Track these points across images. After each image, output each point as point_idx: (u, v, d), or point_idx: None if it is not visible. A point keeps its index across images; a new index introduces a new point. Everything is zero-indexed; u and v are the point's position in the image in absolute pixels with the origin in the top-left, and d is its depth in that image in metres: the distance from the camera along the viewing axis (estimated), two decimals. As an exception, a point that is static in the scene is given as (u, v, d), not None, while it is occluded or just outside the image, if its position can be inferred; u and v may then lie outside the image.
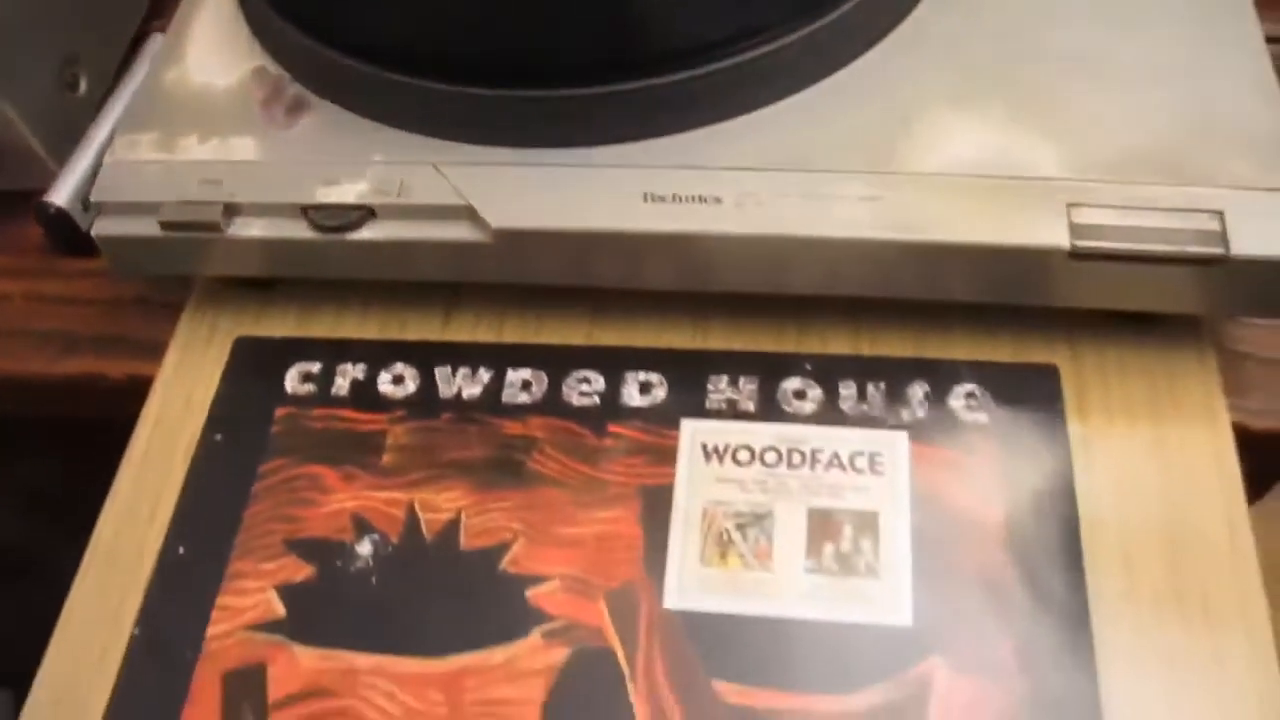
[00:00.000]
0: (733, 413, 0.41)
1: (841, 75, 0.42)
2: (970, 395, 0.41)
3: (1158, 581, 0.37)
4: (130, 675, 0.38)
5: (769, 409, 0.41)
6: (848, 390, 0.41)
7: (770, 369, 0.42)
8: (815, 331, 0.43)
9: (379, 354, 0.44)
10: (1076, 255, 0.38)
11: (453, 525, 0.39)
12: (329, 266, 0.42)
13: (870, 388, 0.41)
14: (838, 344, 0.43)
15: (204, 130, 0.43)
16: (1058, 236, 0.38)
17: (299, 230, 0.41)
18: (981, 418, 0.40)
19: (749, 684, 0.35)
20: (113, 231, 0.42)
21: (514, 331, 0.44)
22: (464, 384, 0.43)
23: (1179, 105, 0.40)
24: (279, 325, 0.45)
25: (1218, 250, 0.38)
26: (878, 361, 0.42)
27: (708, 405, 0.41)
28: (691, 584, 0.38)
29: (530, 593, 0.38)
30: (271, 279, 0.45)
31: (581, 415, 0.41)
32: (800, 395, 0.41)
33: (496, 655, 0.37)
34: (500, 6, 0.39)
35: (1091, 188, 0.39)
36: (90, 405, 0.47)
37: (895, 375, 0.42)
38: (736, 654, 0.36)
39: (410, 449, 0.41)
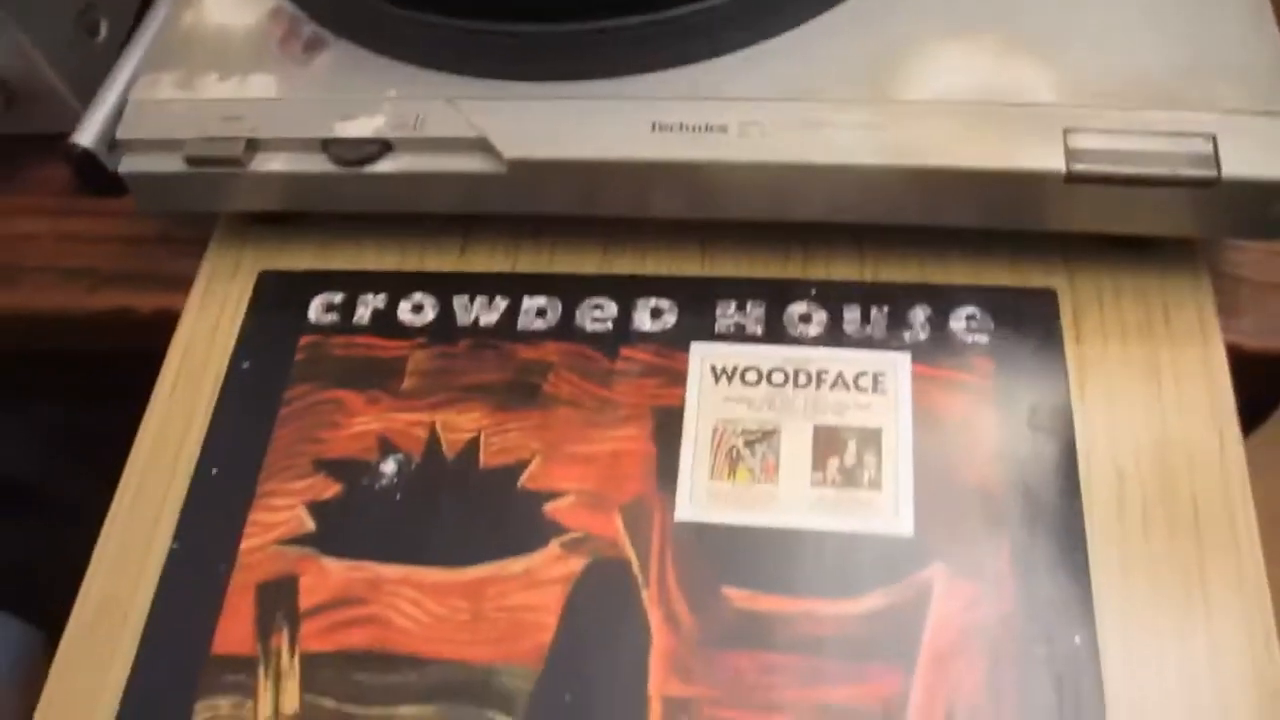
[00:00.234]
0: (740, 336, 0.43)
1: (841, 8, 0.43)
2: (970, 318, 0.42)
3: (1150, 495, 0.39)
4: (169, 588, 0.40)
5: (775, 332, 0.43)
6: (851, 314, 0.43)
7: (776, 294, 0.44)
8: (820, 258, 0.45)
9: (398, 284, 0.45)
10: (1072, 179, 0.39)
11: (473, 445, 0.41)
12: (348, 200, 0.44)
13: (873, 311, 0.43)
14: (842, 270, 0.45)
15: (224, 69, 0.44)
16: (1054, 161, 0.39)
17: (319, 164, 0.42)
18: (981, 339, 0.42)
19: (757, 590, 0.37)
20: (139, 168, 0.43)
21: (528, 261, 0.46)
22: (481, 312, 0.44)
23: (1172, 32, 0.41)
24: (301, 259, 0.47)
25: (1210, 173, 0.39)
26: (881, 286, 0.44)
27: (716, 329, 0.43)
28: (702, 497, 0.39)
29: (548, 507, 0.40)
30: (293, 213, 0.46)
31: (594, 340, 0.43)
32: (806, 319, 0.43)
33: (516, 565, 0.39)
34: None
35: (1086, 113, 0.40)
36: (119, 339, 0.49)
37: (898, 299, 0.43)
38: (745, 562, 0.38)
39: (430, 373, 0.43)
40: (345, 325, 0.44)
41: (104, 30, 0.53)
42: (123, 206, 0.49)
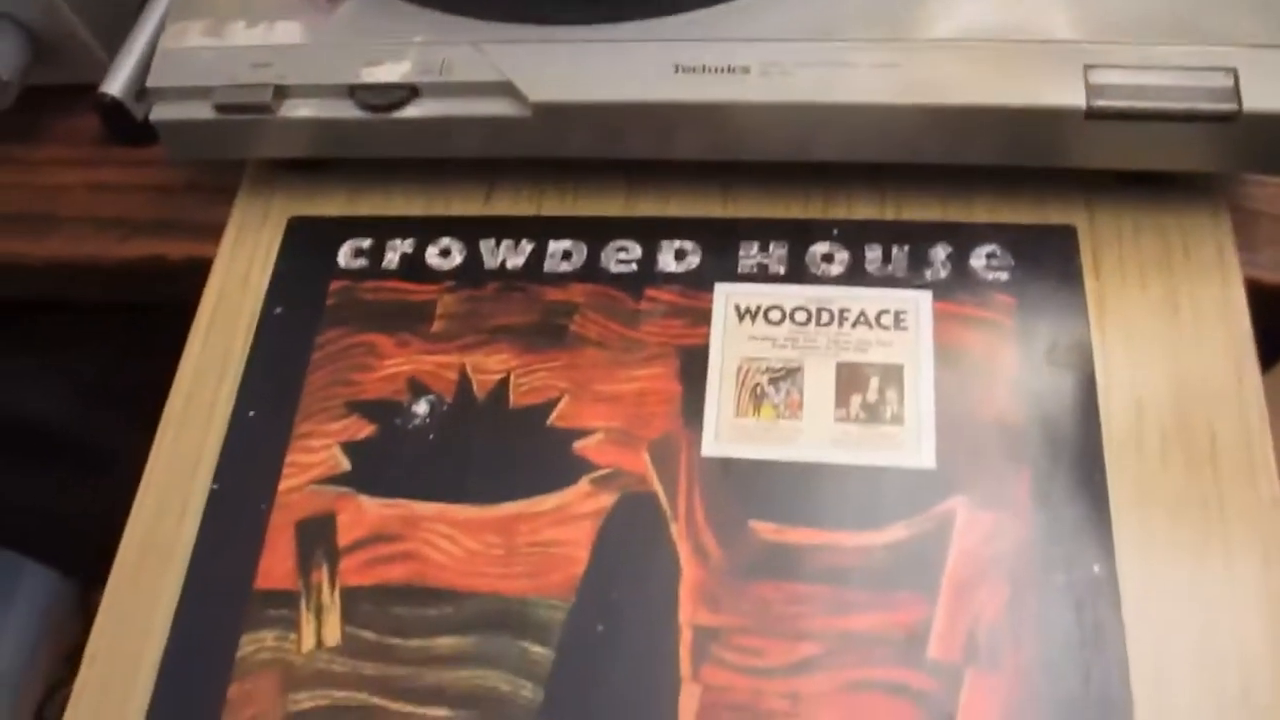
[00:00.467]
0: (763, 276, 0.43)
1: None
2: (991, 255, 0.43)
3: (1168, 427, 0.39)
4: (210, 527, 0.41)
5: (798, 272, 0.43)
6: (873, 253, 0.43)
7: (799, 234, 0.44)
8: (841, 198, 0.45)
9: (426, 229, 0.46)
10: (1093, 115, 0.40)
11: (502, 385, 0.42)
12: (375, 145, 0.44)
13: (895, 250, 0.43)
14: (863, 210, 0.45)
15: (251, 16, 0.45)
16: (1074, 97, 0.40)
17: (346, 110, 0.43)
18: (1002, 276, 0.42)
19: (783, 523, 0.38)
20: (170, 116, 0.44)
21: (553, 205, 0.46)
22: (507, 255, 0.45)
23: (1195, -35, 0.41)
24: (329, 205, 0.47)
25: (1230, 106, 0.39)
26: (901, 225, 0.44)
27: (739, 269, 0.43)
28: (728, 433, 0.40)
29: (577, 445, 0.41)
30: (321, 160, 0.47)
31: (620, 281, 0.44)
32: (828, 259, 0.43)
33: (547, 501, 0.40)
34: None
35: (1106, 49, 0.40)
36: (151, 287, 0.50)
37: (919, 238, 0.44)
38: (771, 496, 0.39)
39: (459, 316, 0.44)
40: (374, 270, 0.45)
41: (128, -19, 0.53)
42: (152, 156, 0.50)
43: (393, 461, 0.41)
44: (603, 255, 0.44)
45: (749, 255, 0.44)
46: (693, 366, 0.42)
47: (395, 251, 0.46)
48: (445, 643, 0.38)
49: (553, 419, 0.41)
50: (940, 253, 0.43)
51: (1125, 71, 0.40)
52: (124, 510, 0.43)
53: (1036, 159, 0.42)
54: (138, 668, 0.39)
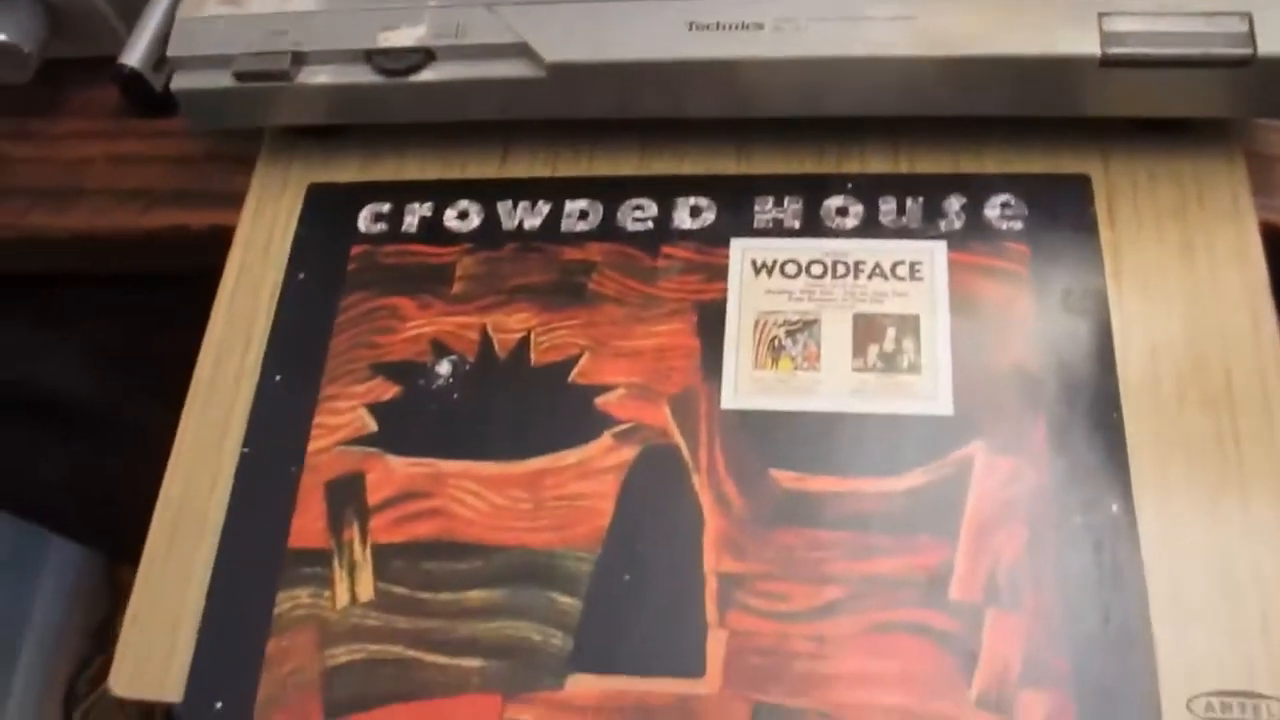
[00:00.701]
0: (779, 231, 0.44)
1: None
2: (1005, 205, 0.43)
3: (1184, 370, 0.40)
4: (242, 489, 0.42)
5: (813, 226, 0.44)
6: (887, 206, 0.44)
7: (813, 189, 0.44)
8: (855, 152, 0.46)
9: (443, 192, 0.46)
10: (1107, 63, 0.40)
11: (523, 344, 0.43)
12: (393, 110, 0.45)
13: (909, 202, 0.44)
14: (877, 163, 0.45)
15: (265, -16, 0.45)
16: (1089, 45, 0.40)
17: (363, 75, 0.43)
18: (1016, 226, 0.43)
19: (804, 471, 0.39)
20: (190, 85, 0.44)
21: (568, 165, 0.47)
22: (524, 216, 0.45)
23: (1207, -92, 0.41)
24: (347, 171, 0.48)
25: (1246, 51, 0.39)
26: (915, 178, 0.44)
27: (755, 225, 0.44)
28: (747, 386, 0.41)
29: (598, 400, 0.41)
30: (337, 126, 0.47)
31: (636, 239, 0.44)
32: (842, 212, 0.44)
33: (571, 456, 0.40)
34: None
35: (1121, -4, 0.40)
36: (174, 257, 0.51)
37: (933, 190, 0.44)
38: (791, 446, 0.39)
39: (479, 277, 0.44)
40: (394, 234, 0.46)
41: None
42: (172, 126, 0.51)
43: (418, 421, 0.42)
44: (619, 214, 0.45)
45: (764, 210, 0.44)
46: (711, 321, 0.42)
47: (414, 215, 0.46)
48: (476, 595, 0.39)
49: (574, 376, 0.42)
50: (954, 204, 0.43)
51: (1139, 19, 0.40)
52: (149, 482, 0.43)
53: (1051, 109, 0.42)
54: (178, 626, 0.40)
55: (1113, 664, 0.34)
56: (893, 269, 0.42)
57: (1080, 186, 0.43)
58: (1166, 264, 0.42)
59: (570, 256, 0.44)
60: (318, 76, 0.44)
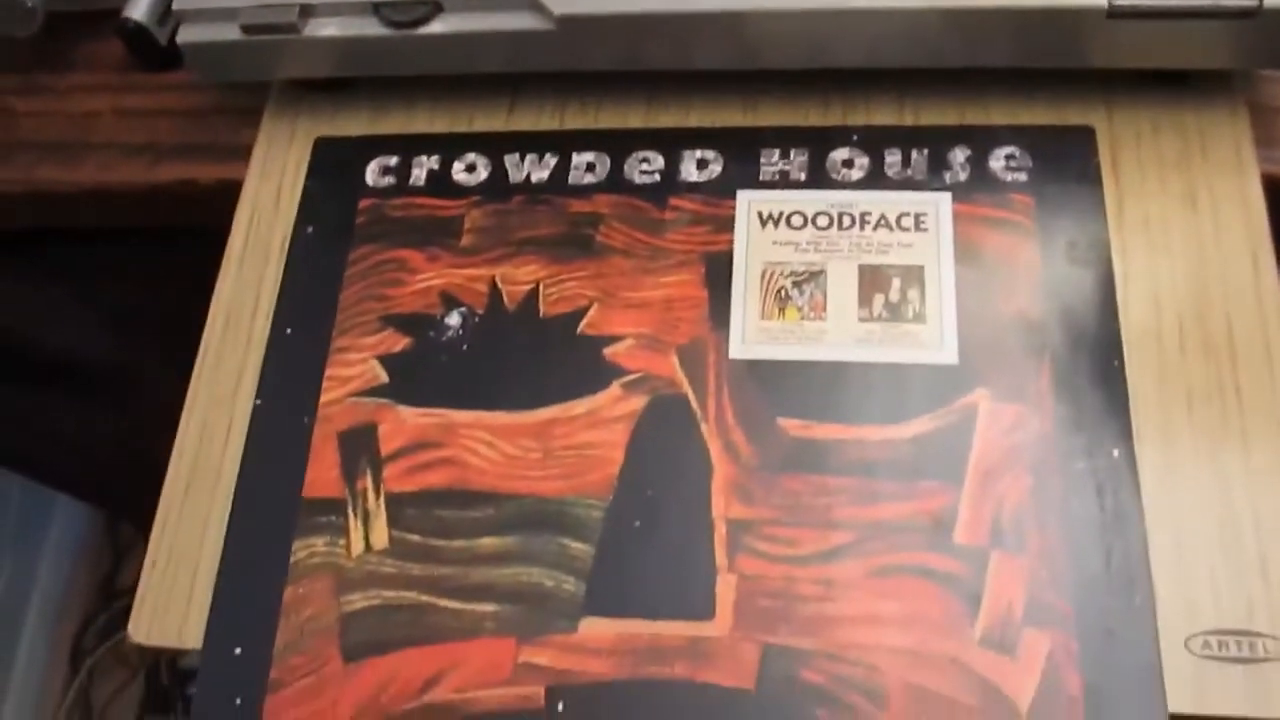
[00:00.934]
0: (785, 183, 0.44)
1: None
2: (1010, 157, 0.43)
3: (1186, 318, 0.40)
4: (256, 440, 0.42)
5: (819, 178, 0.44)
6: (893, 157, 0.44)
7: (819, 141, 0.45)
8: (860, 105, 0.46)
9: (451, 145, 0.47)
10: (1114, 14, 0.40)
11: (532, 295, 0.43)
12: (400, 63, 0.45)
13: (914, 154, 0.44)
14: (882, 116, 0.45)
15: (271, -64, 0.45)
16: (1095, -5, 0.40)
17: (371, 27, 0.43)
18: (1021, 177, 0.43)
19: (810, 419, 0.39)
20: (196, 38, 0.44)
21: (575, 118, 0.47)
22: (532, 169, 0.46)
23: None
24: (354, 124, 0.48)
25: (1251, 2, 0.39)
26: (921, 130, 0.45)
27: (761, 177, 0.44)
28: (754, 336, 0.41)
29: (607, 351, 0.42)
30: (344, 80, 0.47)
31: (643, 191, 0.44)
32: (848, 164, 0.44)
33: (580, 406, 0.41)
34: None
35: (1128, -56, 0.40)
36: (182, 211, 0.51)
37: (938, 141, 0.44)
38: (798, 394, 0.40)
39: (487, 230, 0.45)
40: (402, 187, 0.46)
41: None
42: (177, 80, 0.51)
43: (429, 372, 0.42)
44: (626, 166, 0.45)
45: (770, 163, 0.45)
46: (718, 272, 0.43)
47: (421, 168, 0.46)
48: (488, 543, 0.39)
49: (583, 327, 0.42)
50: (959, 155, 0.44)
51: (1145, -31, 0.40)
52: (153, 439, 0.44)
53: (1057, 60, 0.43)
54: (196, 575, 0.40)
55: (1114, 604, 0.35)
56: (898, 220, 0.43)
57: (1084, 138, 0.44)
58: (1169, 214, 0.42)
59: (578, 209, 0.45)
60: (325, 29, 0.44)
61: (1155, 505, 0.37)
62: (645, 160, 0.45)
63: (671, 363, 0.41)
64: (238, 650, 0.39)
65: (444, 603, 0.39)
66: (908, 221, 0.43)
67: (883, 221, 0.43)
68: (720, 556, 0.38)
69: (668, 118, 0.46)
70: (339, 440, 0.42)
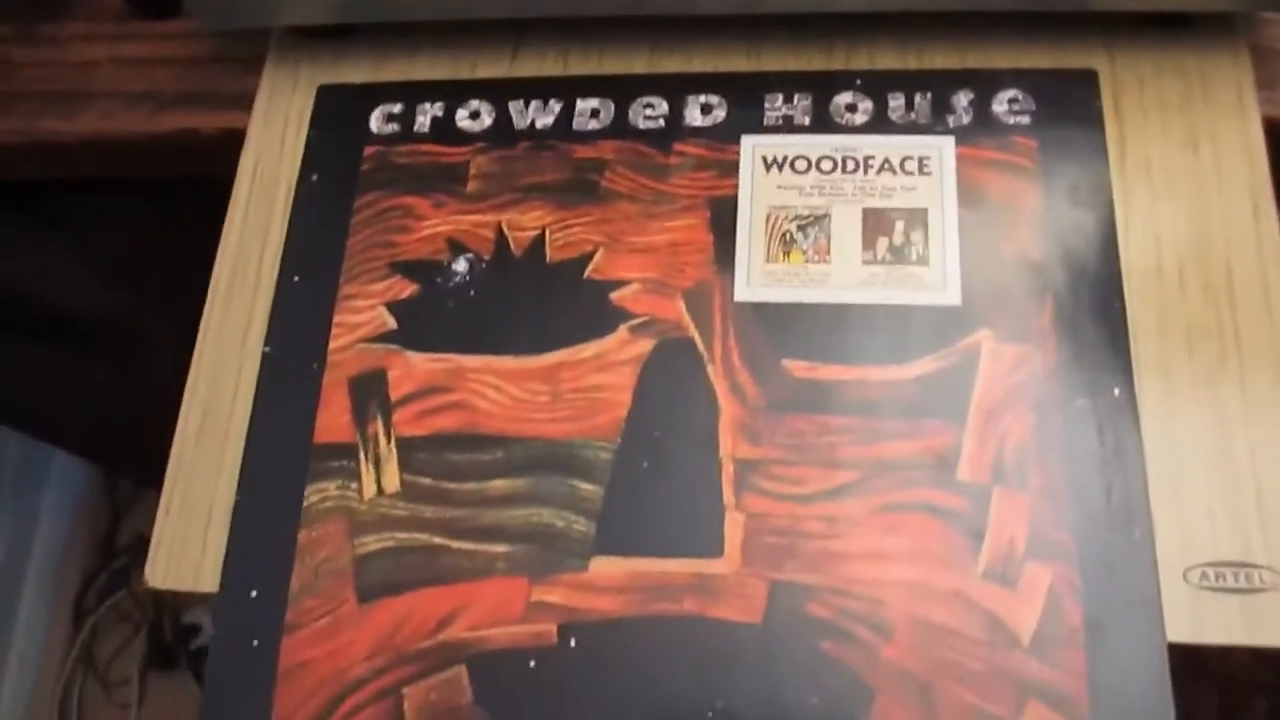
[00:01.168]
0: (789, 127, 0.44)
1: None
2: (1013, 100, 0.44)
3: (1186, 259, 0.41)
4: (266, 387, 0.43)
5: (823, 122, 0.44)
6: (896, 101, 0.44)
7: (822, 86, 0.45)
8: (864, 49, 0.46)
9: (454, 92, 0.47)
10: (1116, -46, 0.40)
11: (538, 241, 0.43)
12: (401, 8, 0.45)
13: (917, 98, 0.44)
14: (885, 60, 0.46)
15: (270, -120, 0.44)
16: (1099, -65, 0.40)
17: (372, -28, 0.43)
18: (1023, 120, 0.43)
19: (815, 360, 0.40)
20: (197, -16, 0.44)
21: (578, 64, 0.47)
22: (536, 115, 0.46)
23: None
24: (357, 72, 0.48)
25: (1253, -58, 0.39)
26: (924, 74, 0.45)
27: (765, 122, 0.44)
28: (759, 279, 0.42)
29: (614, 295, 0.42)
30: (347, 26, 0.47)
31: (648, 137, 0.45)
32: (852, 108, 0.44)
33: (588, 350, 0.41)
34: None
35: (1132, -116, 0.40)
36: (184, 161, 0.51)
37: (941, 85, 0.44)
38: (803, 336, 0.40)
39: (492, 176, 0.45)
40: (406, 134, 0.46)
41: None
42: (177, 29, 0.50)
43: (437, 318, 0.43)
44: (630, 112, 0.45)
45: (774, 107, 0.45)
46: (723, 217, 0.43)
47: (425, 115, 0.46)
48: (499, 485, 0.40)
49: (589, 272, 0.43)
50: (962, 99, 0.44)
51: (1148, -92, 0.40)
52: (152, 393, 0.44)
53: (1060, 3, 0.43)
54: (210, 520, 0.41)
55: (1114, 538, 0.36)
56: (901, 164, 0.43)
57: (1087, 81, 0.44)
58: (1170, 157, 0.43)
59: (582, 154, 0.45)
60: (327, -26, 0.43)
61: (1154, 442, 0.37)
62: (649, 106, 0.45)
63: (678, 306, 0.42)
64: (254, 593, 0.40)
65: (456, 544, 0.39)
66: (911, 165, 0.43)
67: (886, 165, 0.43)
68: (728, 495, 0.38)
69: (671, 63, 0.46)
70: (349, 386, 0.42)
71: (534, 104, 0.46)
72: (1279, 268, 0.40)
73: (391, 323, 0.43)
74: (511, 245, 0.44)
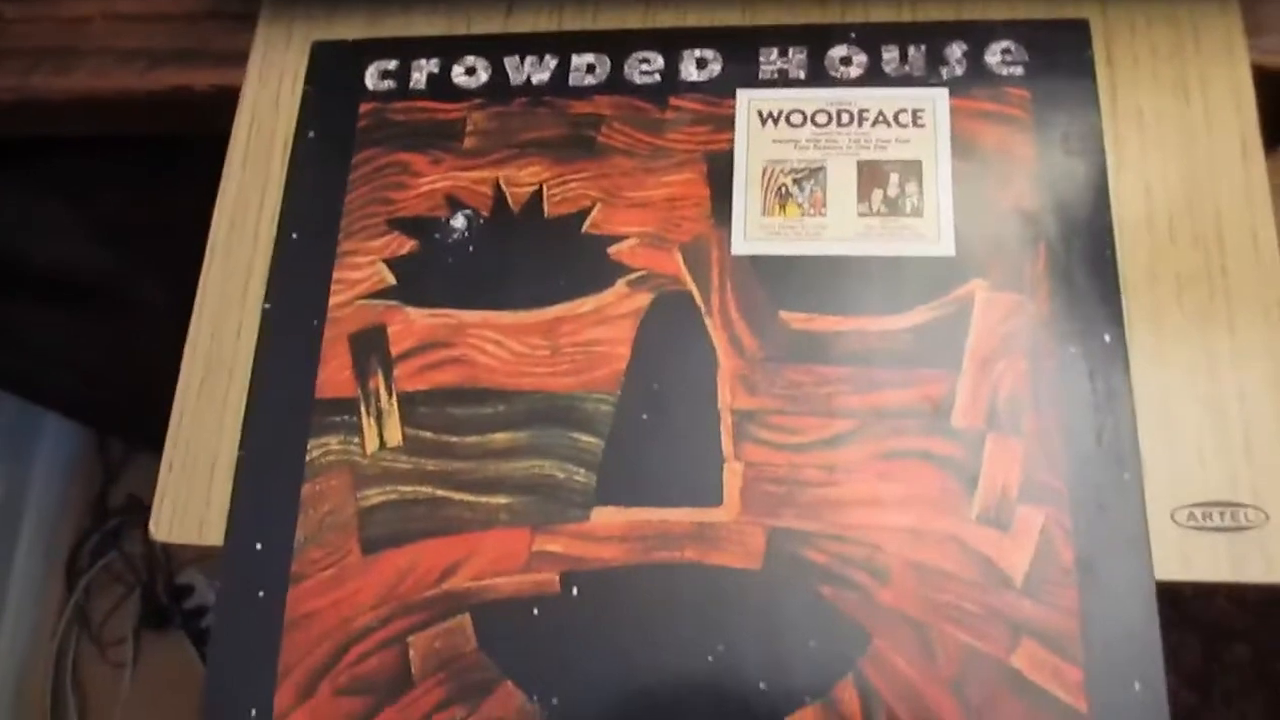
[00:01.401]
0: (784, 81, 0.44)
1: None
2: (1006, 51, 0.44)
3: (1176, 206, 0.41)
4: (267, 345, 0.43)
5: (818, 76, 0.44)
6: (890, 54, 0.44)
7: (817, 39, 0.45)
8: (858, 2, 0.46)
9: (450, 48, 0.47)
10: (1109, -97, 0.40)
11: (536, 196, 0.44)
12: (395, -38, 0.45)
13: (911, 50, 0.44)
14: (880, 12, 0.46)
15: None
16: (1092, -116, 0.40)
17: (366, -74, 0.43)
18: (1017, 71, 0.43)
19: (811, 312, 0.41)
20: (188, -60, 0.44)
21: (573, 19, 0.47)
22: (532, 71, 0.46)
23: None
24: (351, 28, 0.48)
25: (1244, -111, 0.39)
26: (918, 26, 0.45)
27: (760, 76, 0.45)
28: (756, 232, 0.42)
29: (612, 250, 0.42)
30: (339, -18, 0.47)
31: (644, 91, 0.45)
32: (846, 61, 0.44)
33: (587, 304, 0.42)
34: None
35: None
36: (178, 118, 0.51)
37: (935, 37, 0.44)
38: (799, 288, 0.41)
39: (489, 132, 0.45)
40: (402, 91, 0.46)
41: None
42: (168, -15, 0.50)
43: (436, 274, 0.43)
44: (625, 67, 0.45)
45: (769, 61, 0.45)
46: (719, 171, 0.43)
47: (421, 72, 0.46)
48: (500, 438, 0.40)
49: (587, 226, 0.43)
50: (956, 51, 0.44)
51: None
52: (145, 353, 0.44)
53: (1052, -49, 0.43)
54: (213, 474, 0.41)
55: (1104, 481, 0.37)
56: (896, 116, 0.43)
57: (1079, 31, 0.44)
58: (1162, 105, 0.43)
59: (579, 110, 0.45)
60: (320, -72, 0.43)
61: (1144, 386, 0.38)
62: (645, 61, 0.45)
63: (675, 260, 0.42)
64: (259, 546, 0.40)
65: (459, 496, 0.40)
66: (905, 118, 0.43)
67: (881, 118, 0.43)
68: (727, 445, 0.39)
69: (666, 17, 0.46)
70: (350, 341, 0.43)
71: (529, 60, 0.46)
72: (1267, 213, 0.41)
73: (391, 279, 0.43)
74: (509, 201, 0.44)
